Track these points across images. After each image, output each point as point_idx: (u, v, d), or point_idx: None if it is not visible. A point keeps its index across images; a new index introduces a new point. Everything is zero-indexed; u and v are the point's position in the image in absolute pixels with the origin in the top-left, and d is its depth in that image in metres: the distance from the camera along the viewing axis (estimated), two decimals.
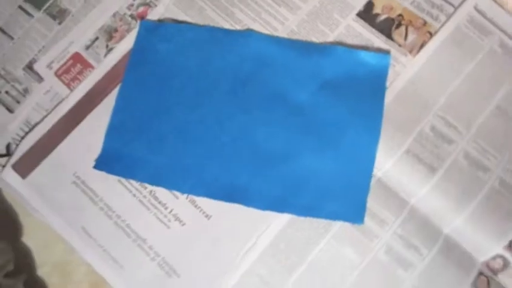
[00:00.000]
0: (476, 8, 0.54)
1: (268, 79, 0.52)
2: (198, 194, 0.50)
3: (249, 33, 0.54)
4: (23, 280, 0.48)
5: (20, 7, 0.57)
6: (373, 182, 0.49)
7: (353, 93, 0.51)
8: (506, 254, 0.48)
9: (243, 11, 0.55)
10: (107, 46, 0.55)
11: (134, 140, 0.52)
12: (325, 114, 0.50)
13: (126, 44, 0.55)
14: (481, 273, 0.48)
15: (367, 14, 0.55)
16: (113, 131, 0.52)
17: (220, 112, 0.51)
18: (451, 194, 0.49)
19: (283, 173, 0.49)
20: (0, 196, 0.52)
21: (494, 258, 0.48)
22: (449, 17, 0.54)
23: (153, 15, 0.56)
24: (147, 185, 0.51)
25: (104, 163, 0.51)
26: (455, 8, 0.54)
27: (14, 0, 0.58)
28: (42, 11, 0.57)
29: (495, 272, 0.48)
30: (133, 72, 0.54)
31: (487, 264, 0.48)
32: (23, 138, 0.53)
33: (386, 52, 0.53)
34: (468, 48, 0.53)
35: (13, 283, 0.46)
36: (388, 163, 0.50)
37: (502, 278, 0.48)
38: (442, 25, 0.54)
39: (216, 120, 0.51)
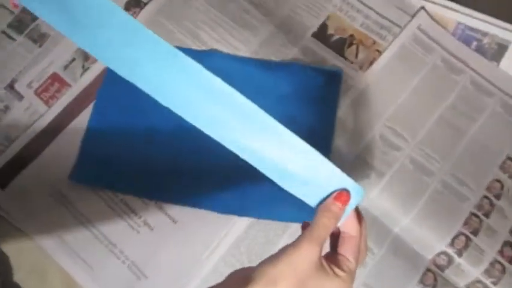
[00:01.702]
0: (419, 28, 0.59)
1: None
2: (164, 200, 0.54)
3: (213, 52, 0.59)
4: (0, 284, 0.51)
5: (3, 32, 0.62)
6: None
7: (308, 106, 0.56)
8: (450, 251, 0.52)
9: (208, 33, 0.60)
10: (83, 66, 0.60)
11: (106, 153, 0.56)
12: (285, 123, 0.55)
13: (101, 65, 0.60)
14: (428, 270, 0.52)
15: (321, 35, 0.60)
16: (87, 145, 0.56)
17: (182, 124, 0.56)
18: (398, 196, 0.53)
19: (242, 178, 0.53)
20: None
21: (439, 255, 0.52)
22: (395, 36, 0.59)
23: None
24: (118, 193, 0.55)
25: (77, 175, 0.55)
26: (401, 29, 0.60)
27: None
28: (23, 35, 0.62)
29: (442, 268, 0.52)
30: (106, 89, 0.58)
31: (433, 261, 0.52)
32: (2, 152, 0.57)
33: (339, 68, 0.58)
34: (413, 64, 0.58)
35: None
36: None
37: (448, 273, 0.52)
38: (390, 44, 0.59)
39: (179, 131, 0.55)
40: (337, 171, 0.34)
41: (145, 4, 0.62)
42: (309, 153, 0.34)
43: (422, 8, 0.60)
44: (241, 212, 0.53)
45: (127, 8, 0.62)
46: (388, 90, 0.57)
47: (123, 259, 0.53)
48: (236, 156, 0.54)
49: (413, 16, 0.60)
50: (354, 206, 0.35)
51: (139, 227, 0.54)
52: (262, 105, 0.56)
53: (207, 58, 0.59)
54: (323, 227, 0.34)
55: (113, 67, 0.32)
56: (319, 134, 0.54)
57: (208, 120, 0.33)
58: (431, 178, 0.54)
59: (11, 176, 0.56)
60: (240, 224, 0.53)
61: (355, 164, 0.54)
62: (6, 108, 0.59)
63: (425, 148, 0.55)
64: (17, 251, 0.54)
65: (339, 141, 0.55)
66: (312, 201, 0.36)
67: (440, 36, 0.59)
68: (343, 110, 0.56)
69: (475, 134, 0.56)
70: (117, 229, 0.54)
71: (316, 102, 0.56)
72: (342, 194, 0.35)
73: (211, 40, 0.60)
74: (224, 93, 0.33)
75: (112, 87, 0.58)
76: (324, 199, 0.35)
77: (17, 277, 0.53)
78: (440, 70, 0.58)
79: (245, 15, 0.61)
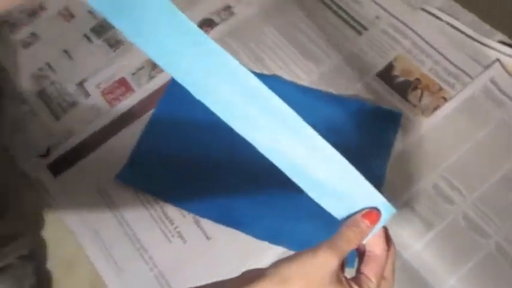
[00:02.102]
0: (491, 80, 0.56)
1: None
2: (202, 215, 0.54)
3: (274, 77, 0.59)
4: (33, 267, 0.52)
5: (85, 35, 0.67)
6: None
7: (362, 141, 0.54)
8: None
9: (272, 58, 0.61)
10: (150, 75, 0.63)
11: (155, 160, 0.57)
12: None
13: (166, 75, 0.62)
14: None
15: (386, 74, 0.59)
16: (139, 149, 0.58)
17: (233, 146, 0.56)
18: (446, 253, 0.49)
19: (282, 207, 0.52)
20: (32, 195, 0.58)
21: None
22: (465, 85, 0.57)
23: None
24: (159, 200, 0.55)
25: (125, 176, 0.57)
26: (472, 79, 0.57)
27: (81, 29, 0.67)
28: (102, 39, 0.66)
29: None
30: (167, 100, 0.60)
31: None
32: (62, 143, 0.60)
33: (399, 111, 0.56)
34: (480, 116, 0.55)
35: (24, 266, 0.50)
36: None
37: None
38: (457, 93, 0.56)
39: (229, 152, 0.55)
40: (369, 186, 0.33)
41: (217, 25, 0.64)
42: (344, 165, 0.33)
43: (498, 60, 0.57)
44: (275, 240, 0.51)
45: (200, 26, 0.64)
46: (449, 139, 0.54)
47: (151, 266, 0.53)
48: (280, 184, 0.54)
49: (486, 67, 0.57)
50: (382, 225, 0.33)
51: (173, 237, 0.54)
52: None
53: (267, 82, 0.59)
54: (346, 239, 0.32)
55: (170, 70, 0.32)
56: (371, 171, 0.52)
57: (249, 124, 0.33)
58: (485, 239, 0.50)
59: (65, 167, 0.58)
60: (272, 252, 0.51)
61: (402, 209, 0.51)
62: (74, 103, 0.62)
63: (483, 206, 0.51)
64: (53, 240, 0.55)
65: (389, 183, 0.52)
66: (339, 214, 0.34)
67: None
68: (398, 153, 0.54)
69: None
70: (151, 234, 0.54)
71: (372, 140, 0.54)
72: (372, 213, 0.33)
73: (274, 65, 0.60)
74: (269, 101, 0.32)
75: (173, 99, 0.60)
76: (352, 214, 0.33)
77: (48, 265, 0.55)
78: (509, 127, 0.54)
79: (311, 46, 0.61)
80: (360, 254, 0.34)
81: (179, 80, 0.31)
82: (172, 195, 0.55)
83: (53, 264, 0.55)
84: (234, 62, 0.32)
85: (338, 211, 0.34)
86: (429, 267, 0.49)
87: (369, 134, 0.54)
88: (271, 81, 0.58)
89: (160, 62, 0.31)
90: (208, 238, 0.53)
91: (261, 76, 0.59)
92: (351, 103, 0.56)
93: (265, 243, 0.52)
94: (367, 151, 0.53)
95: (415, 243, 0.50)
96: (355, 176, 0.33)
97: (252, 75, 0.32)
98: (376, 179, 0.52)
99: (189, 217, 0.55)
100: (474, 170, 0.53)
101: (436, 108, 0.56)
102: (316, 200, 0.34)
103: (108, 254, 0.54)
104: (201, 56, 0.31)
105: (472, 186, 0.52)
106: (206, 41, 0.30)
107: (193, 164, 0.56)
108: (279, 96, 0.61)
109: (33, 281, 0.52)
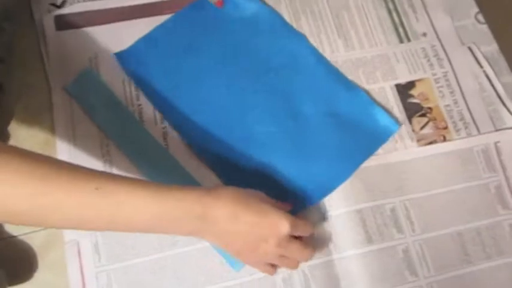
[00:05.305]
0: (495, 144, 0.55)
1: (293, 80, 0.56)
2: (175, 127, 0.54)
3: (301, 36, 0.59)
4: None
5: None
6: (319, 217, 0.51)
7: (349, 135, 0.54)
8: None
9: (308, 22, 0.60)
10: None
11: (156, 60, 0.56)
12: (317, 135, 0.54)
13: None
14: None
15: (403, 89, 0.57)
16: (146, 41, 0.57)
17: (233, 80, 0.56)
18: (373, 272, 0.49)
19: (255, 166, 0.53)
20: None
21: None
22: (469, 136, 0.56)
23: None
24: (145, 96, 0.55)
25: (123, 57, 0.56)
26: (479, 134, 0.56)
27: None
28: None
29: None
30: (190, 11, 0.59)
31: None
32: (77, 2, 0.59)
33: (398, 122, 0.55)
34: (468, 171, 0.54)
35: None
36: (340, 210, 0.51)
37: None
38: (459, 139, 0.55)
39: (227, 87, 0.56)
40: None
41: None
42: None
43: (511, 129, 0.56)
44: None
45: None
46: (429, 176, 0.54)
47: None
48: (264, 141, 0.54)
49: (497, 130, 0.56)
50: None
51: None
52: (311, 108, 0.55)
53: (292, 37, 0.58)
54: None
55: None
56: (342, 160, 0.53)
57: None
58: (412, 278, 0.50)
59: (70, 26, 0.58)
60: None
61: (352, 213, 0.51)
62: None
63: (426, 249, 0.51)
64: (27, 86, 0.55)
65: (353, 185, 0.52)
66: None
67: (510, 164, 0.55)
68: (375, 164, 0.53)
69: (479, 273, 0.51)
70: None
71: (358, 138, 0.54)
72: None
73: (307, 28, 0.60)
74: None
75: (196, 13, 0.59)
76: None
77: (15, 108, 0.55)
78: (490, 195, 0.54)
79: (351, 30, 0.60)
80: None
81: None
82: (156, 96, 0.55)
83: (18, 109, 0.55)
84: None
85: None
86: (350, 276, 0.49)
87: (361, 132, 0.54)
88: (298, 38, 0.58)
89: None
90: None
91: (291, 29, 0.59)
92: (359, 94, 0.56)
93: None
94: (348, 142, 0.53)
95: (350, 249, 0.50)
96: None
97: None
98: (341, 174, 0.52)
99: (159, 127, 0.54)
100: (435, 214, 0.52)
101: (431, 143, 0.55)
102: None
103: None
104: None
105: (425, 226, 0.52)
106: None
107: (192, 86, 0.56)
108: (296, 54, 0.60)
109: None
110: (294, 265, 0.47)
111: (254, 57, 0.57)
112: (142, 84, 0.55)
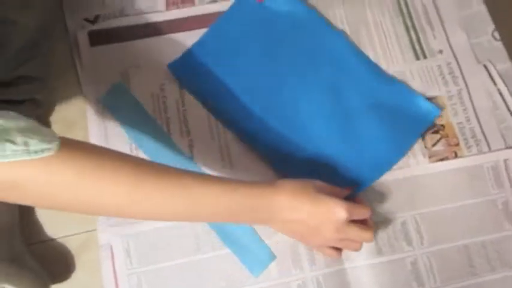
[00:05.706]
0: (505, 161, 0.58)
1: (339, 75, 0.60)
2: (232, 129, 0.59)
3: (340, 33, 0.63)
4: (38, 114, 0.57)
5: None
6: None
7: (396, 122, 0.58)
8: None
9: (346, 18, 0.64)
10: None
11: (212, 62, 0.61)
12: (366, 124, 0.58)
13: (228, 3, 0.63)
14: None
15: None
16: (198, 47, 0.61)
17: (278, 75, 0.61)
18: (383, 282, 0.53)
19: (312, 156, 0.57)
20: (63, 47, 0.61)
21: None
22: (480, 153, 0.58)
23: None
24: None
25: (176, 66, 0.60)
26: (490, 150, 0.58)
27: None
28: None
29: None
30: (234, 10, 0.63)
31: None
32: (111, 18, 0.62)
33: (439, 106, 0.59)
34: (478, 187, 0.57)
35: (32, 110, 0.54)
36: None
37: None
38: (470, 156, 0.58)
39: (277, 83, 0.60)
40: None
41: None
42: None
43: None
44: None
45: None
46: (439, 192, 0.56)
47: None
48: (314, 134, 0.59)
49: (507, 147, 0.58)
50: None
51: None
52: (356, 100, 0.59)
53: (332, 33, 0.62)
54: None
55: None
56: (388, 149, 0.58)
57: None
58: None
59: (104, 41, 0.62)
60: None
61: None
62: None
63: (434, 261, 0.54)
64: (62, 100, 0.59)
65: (370, 192, 0.56)
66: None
67: None
68: (391, 179, 0.57)
69: (484, 284, 0.54)
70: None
71: (402, 126, 0.58)
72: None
73: (345, 21, 0.63)
74: None
75: (235, 20, 0.63)
76: None
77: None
78: (497, 211, 0.56)
79: (366, 42, 0.62)
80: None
81: None
82: (212, 102, 0.60)
83: (54, 120, 0.59)
84: None
85: None
86: (362, 285, 0.53)
87: (404, 115, 0.58)
88: (337, 34, 0.62)
89: None
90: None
91: (329, 24, 0.62)
92: (399, 83, 0.60)
93: None
94: (396, 128, 0.58)
95: (361, 260, 0.54)
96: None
97: None
98: (393, 156, 0.58)
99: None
100: (444, 228, 0.55)
101: (443, 159, 0.58)
102: None
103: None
104: None
105: (434, 239, 0.55)
106: None
107: (243, 91, 0.60)
108: (335, 51, 0.63)
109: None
110: (356, 247, 0.51)
111: (299, 52, 0.61)
112: (196, 87, 0.60)
